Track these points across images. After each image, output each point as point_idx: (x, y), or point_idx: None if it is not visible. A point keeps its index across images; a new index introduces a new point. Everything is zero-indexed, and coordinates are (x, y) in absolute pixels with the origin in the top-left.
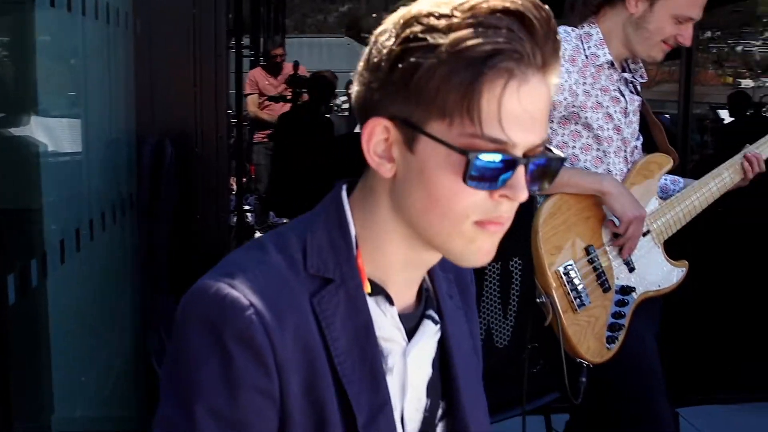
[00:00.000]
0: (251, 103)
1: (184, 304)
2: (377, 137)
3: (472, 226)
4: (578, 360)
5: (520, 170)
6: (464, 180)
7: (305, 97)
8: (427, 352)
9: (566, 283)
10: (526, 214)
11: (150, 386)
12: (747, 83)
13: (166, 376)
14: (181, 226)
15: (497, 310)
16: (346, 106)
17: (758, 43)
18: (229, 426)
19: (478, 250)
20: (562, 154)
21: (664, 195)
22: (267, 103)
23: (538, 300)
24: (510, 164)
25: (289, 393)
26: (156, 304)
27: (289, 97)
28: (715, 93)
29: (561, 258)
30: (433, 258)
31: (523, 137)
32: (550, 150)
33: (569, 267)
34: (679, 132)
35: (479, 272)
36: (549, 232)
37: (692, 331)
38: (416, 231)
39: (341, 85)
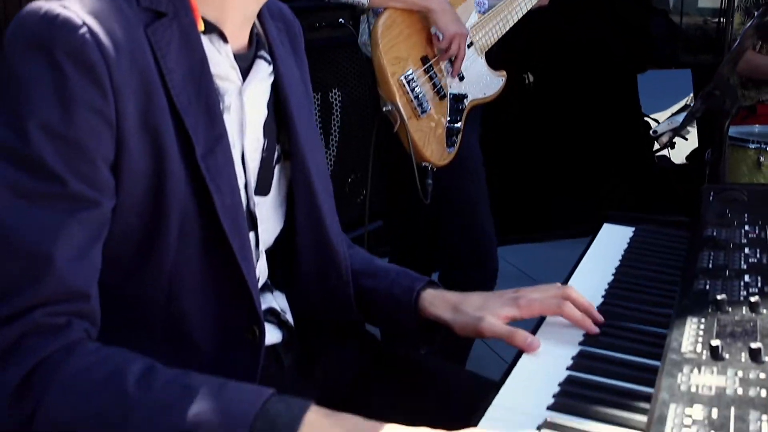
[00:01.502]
0: None
1: (13, 28)
2: None
3: None
4: (423, 164)
5: None
6: None
7: None
8: (262, 91)
9: (408, 91)
10: (345, 48)
11: None
12: None
13: None
14: None
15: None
16: None
17: None
18: (63, 144)
19: None
20: None
21: (481, 9)
22: None
23: (384, 109)
24: None
25: (125, 118)
26: None
27: None
28: None
29: (401, 67)
30: None
31: None
32: None
33: (410, 76)
34: None
35: None
36: (388, 44)
37: (512, 171)
38: None
39: None
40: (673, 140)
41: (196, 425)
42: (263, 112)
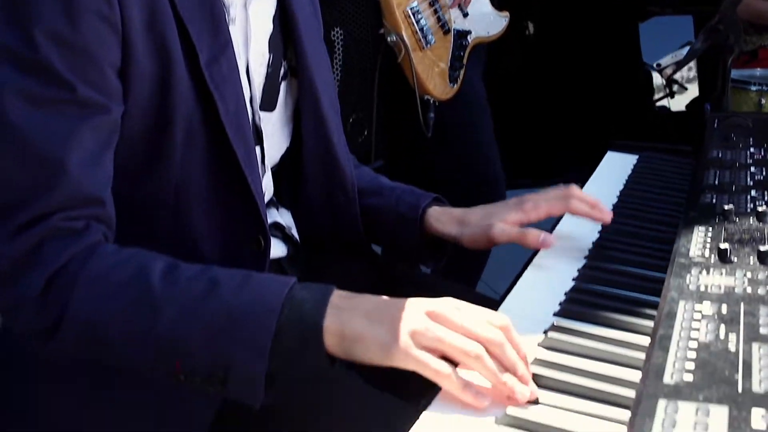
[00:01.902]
0: None
1: None
2: None
3: None
4: (425, 97)
5: None
6: None
7: None
8: (268, 5)
9: (414, 23)
10: None
11: None
12: None
13: None
14: None
15: None
16: None
17: None
18: (70, 50)
19: None
20: None
21: None
22: None
23: (388, 39)
24: None
25: (131, 24)
26: None
27: None
28: None
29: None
30: None
31: None
32: None
33: (415, 8)
34: None
35: None
36: None
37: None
38: None
39: None
40: (675, 77)
41: (225, 316)
42: (269, 27)
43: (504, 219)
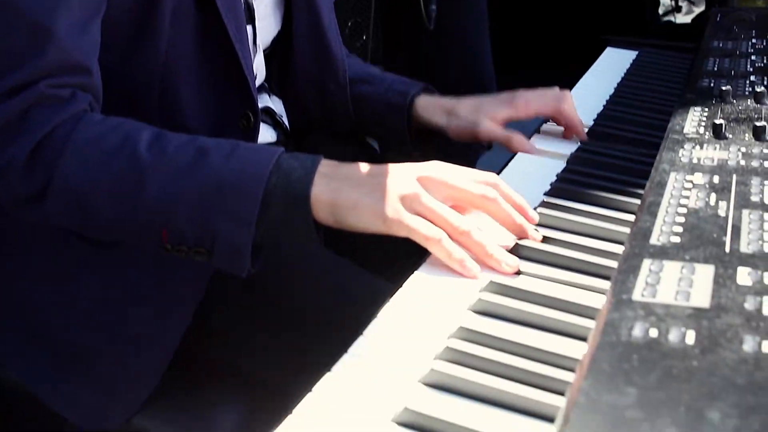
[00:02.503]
0: None
1: None
2: None
3: None
4: None
5: None
6: None
7: None
8: None
9: None
10: None
11: None
12: None
13: None
14: None
15: None
16: None
17: None
18: None
19: None
20: None
21: None
22: None
23: None
24: None
25: None
26: None
27: None
28: None
29: None
30: None
31: None
32: None
33: None
34: None
35: None
36: None
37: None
38: None
39: None
40: None
41: (211, 185)
42: None
43: (493, 113)
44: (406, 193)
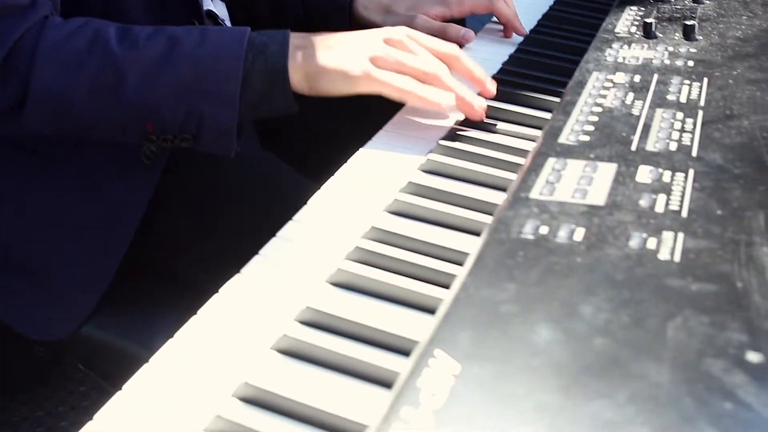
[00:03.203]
0: None
1: None
2: None
3: None
4: None
5: None
6: None
7: None
8: None
9: None
10: None
11: None
12: None
13: None
14: None
15: None
16: None
17: None
18: None
19: None
20: None
21: None
22: None
23: None
24: None
25: None
26: None
27: None
28: None
29: None
30: None
31: None
32: None
33: None
34: None
35: None
36: None
37: None
38: None
39: None
40: None
41: (190, 72)
42: None
43: (428, 10)
44: (375, 54)
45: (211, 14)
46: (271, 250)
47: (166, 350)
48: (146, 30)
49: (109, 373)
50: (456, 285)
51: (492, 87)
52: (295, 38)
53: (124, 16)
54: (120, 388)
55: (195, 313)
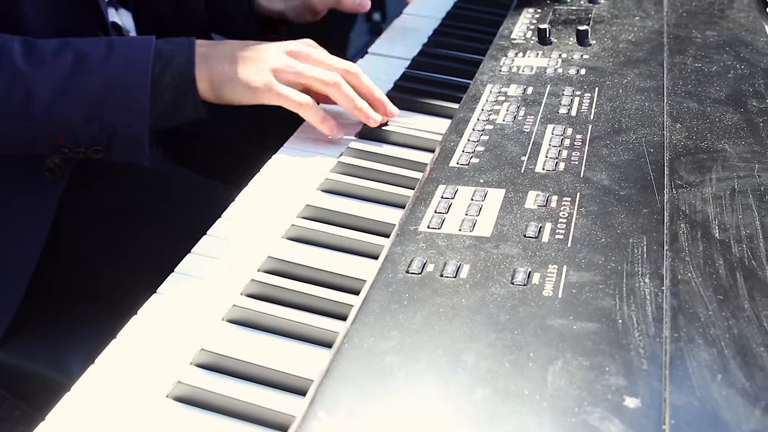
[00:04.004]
0: None
1: None
2: None
3: None
4: None
5: None
6: None
7: None
8: None
9: None
10: None
11: None
12: None
13: None
14: None
15: None
16: None
17: None
18: None
19: None
20: None
21: None
22: None
23: None
24: None
25: None
26: None
27: None
28: None
29: None
30: None
31: None
32: None
33: None
34: None
35: None
36: None
37: None
38: None
39: None
40: None
41: (99, 86)
42: None
43: None
44: (277, 66)
45: (115, 26)
46: (184, 267)
47: (87, 377)
48: (51, 44)
49: (28, 396)
50: (340, 337)
51: (393, 109)
52: (200, 46)
53: (23, 26)
54: (39, 410)
55: (111, 334)
